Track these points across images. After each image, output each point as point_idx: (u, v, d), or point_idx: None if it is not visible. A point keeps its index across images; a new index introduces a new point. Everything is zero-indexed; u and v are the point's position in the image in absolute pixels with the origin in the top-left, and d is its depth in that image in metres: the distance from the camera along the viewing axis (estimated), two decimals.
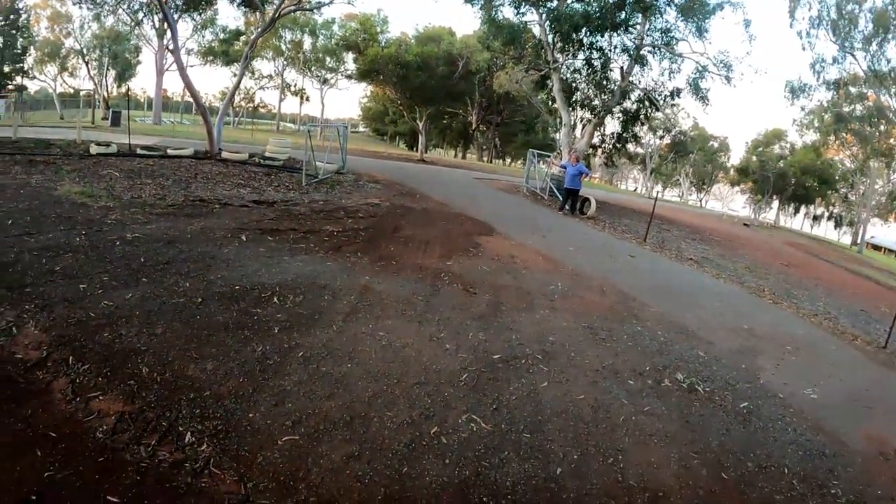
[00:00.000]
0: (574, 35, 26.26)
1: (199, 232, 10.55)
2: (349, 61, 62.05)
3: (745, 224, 39.86)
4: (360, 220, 13.55)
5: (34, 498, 3.75)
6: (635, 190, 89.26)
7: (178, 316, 6.66)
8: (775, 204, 75.13)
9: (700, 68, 26.13)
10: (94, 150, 19.79)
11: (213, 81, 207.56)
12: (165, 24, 45.82)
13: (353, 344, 6.56)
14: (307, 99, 77.20)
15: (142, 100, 76.56)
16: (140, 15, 47.69)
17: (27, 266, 7.64)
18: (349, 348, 6.44)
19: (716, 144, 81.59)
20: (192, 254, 9.11)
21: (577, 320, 8.67)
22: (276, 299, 7.58)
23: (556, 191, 23.75)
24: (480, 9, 29.03)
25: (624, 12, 25.18)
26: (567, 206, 21.24)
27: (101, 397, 4.91)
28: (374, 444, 4.83)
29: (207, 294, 7.44)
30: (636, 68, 27.21)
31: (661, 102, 28.67)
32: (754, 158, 72.29)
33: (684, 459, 5.33)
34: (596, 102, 28.42)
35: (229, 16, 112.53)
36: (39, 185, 13.20)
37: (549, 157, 28.72)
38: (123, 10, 45.58)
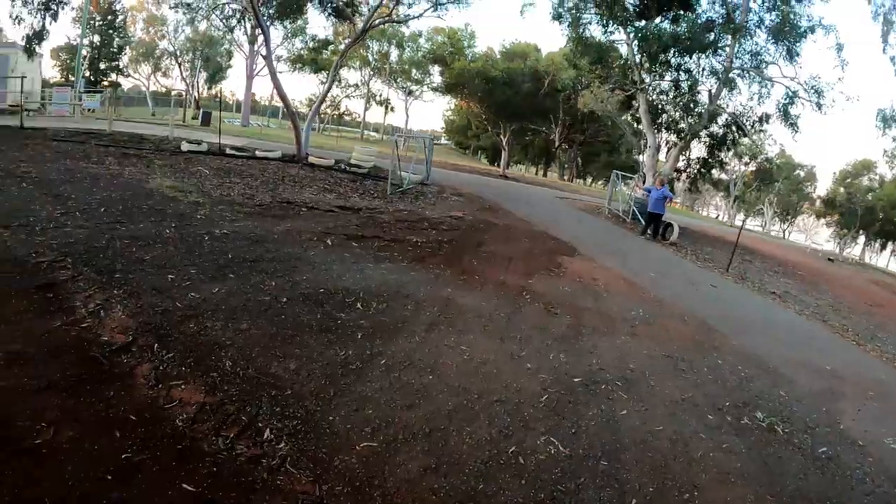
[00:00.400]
0: (662, 55, 25.82)
1: (286, 233, 10.72)
2: (435, 74, 62.73)
3: (829, 259, 38.44)
4: (443, 233, 13.54)
5: (110, 477, 3.77)
6: (717, 217, 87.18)
7: (264, 314, 6.71)
8: (861, 239, 72.34)
9: (790, 94, 25.33)
10: (185, 147, 20.38)
11: (300, 88, 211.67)
12: (257, 31, 47.22)
13: (434, 356, 6.49)
14: (392, 109, 78.29)
15: (230, 102, 78.77)
16: (233, 21, 49.23)
17: (118, 253, 7.86)
18: (431, 360, 6.37)
19: (802, 173, 78.50)
20: (278, 254, 9.24)
21: (657, 348, 8.42)
22: (359, 305, 7.58)
23: (638, 214, 23.31)
24: (568, 26, 28.78)
25: (713, 33, 24.65)
26: (649, 231, 20.85)
27: (182, 386, 4.95)
28: (451, 458, 4.72)
29: (293, 294, 7.50)
30: (724, 91, 26.51)
31: (749, 128, 27.91)
32: (841, 190, 69.88)
33: (760, 501, 5.05)
34: (682, 125, 27.81)
35: (319, 25, 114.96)
36: (132, 176, 13.62)
37: (631, 178, 28.29)
38: (217, 15, 47.17)
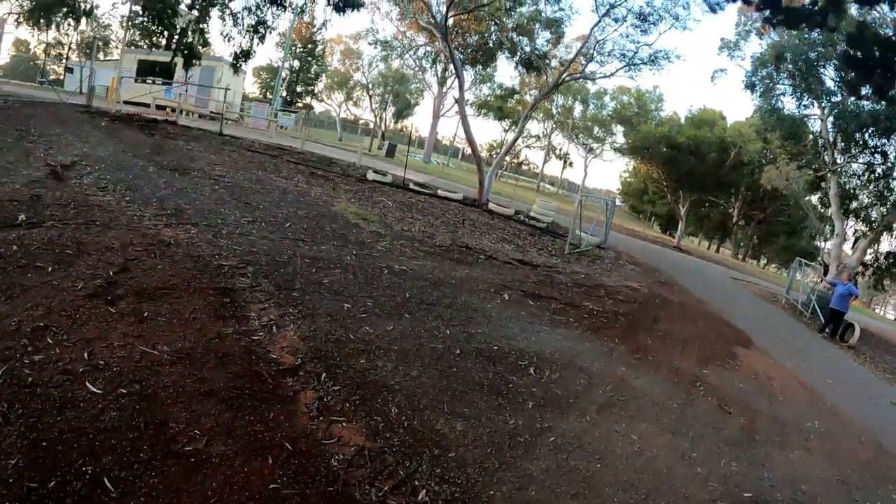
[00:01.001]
0: (858, 135, 24.33)
1: (464, 280, 10.57)
2: (618, 133, 62.14)
3: None
4: (619, 304, 12.96)
5: None
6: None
7: (436, 363, 6.50)
8: None
9: None
10: (370, 176, 21.01)
11: (481, 133, 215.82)
12: (447, 73, 48.81)
13: (604, 441, 6.03)
14: (570, 164, 78.38)
15: (414, 137, 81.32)
16: (425, 62, 51.20)
17: (297, 271, 7.97)
18: (600, 445, 5.92)
19: None
20: (455, 301, 9.07)
21: (832, 470, 7.60)
22: (532, 370, 7.23)
23: (818, 309, 21.71)
24: (759, 96, 27.85)
25: None
26: (828, 329, 19.37)
27: (344, 424, 4.79)
28: None
29: (466, 347, 7.26)
30: None
31: None
32: None
33: None
34: (874, 214, 26.02)
35: (506, 74, 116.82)
36: (318, 197, 14.05)
37: (810, 265, 26.59)
38: (410, 55, 49.17)
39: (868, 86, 21.80)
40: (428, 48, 44.77)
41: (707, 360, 10.58)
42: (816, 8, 10.51)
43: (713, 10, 11.53)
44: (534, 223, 22.41)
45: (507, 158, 75.33)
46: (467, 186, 28.20)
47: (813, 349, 16.30)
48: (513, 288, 11.07)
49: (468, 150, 72.67)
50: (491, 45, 31.40)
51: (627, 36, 25.92)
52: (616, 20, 25.07)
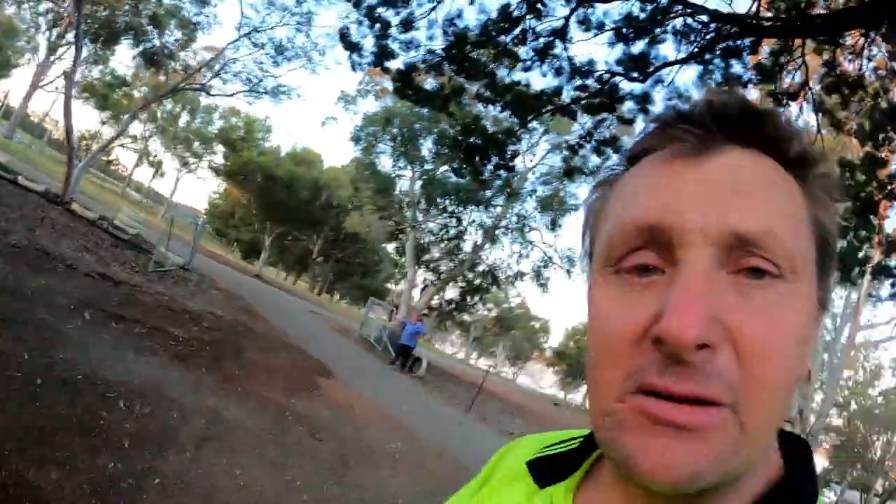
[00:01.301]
0: (440, 200, 27.70)
1: (42, 292, 9.34)
2: (219, 153, 60.94)
3: (555, 403, 42.02)
4: (205, 330, 12.54)
5: None
6: (453, 354, 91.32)
7: (15, 396, 5.60)
8: (584, 387, 79.47)
9: (546, 258, 28.46)
10: None
11: (77, 119, 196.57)
12: (62, 41, 43.95)
13: (209, 478, 5.87)
14: (162, 174, 75.02)
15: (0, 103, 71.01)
16: (42, 20, 45.73)
17: None
18: (206, 483, 5.74)
19: (537, 325, 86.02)
20: (33, 318, 7.98)
21: (419, 485, 8.63)
22: (122, 403, 6.64)
23: (389, 344, 23.84)
24: (362, 150, 30.12)
25: (489, 192, 26.92)
26: (398, 362, 21.46)
27: None
28: None
29: (48, 376, 6.35)
30: (487, 244, 28.98)
31: (504, 281, 30.63)
32: (571, 344, 76.31)
33: None
34: (443, 268, 29.64)
35: (122, 62, 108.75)
36: None
37: (380, 305, 29.10)
38: (29, 6, 43.41)
39: (465, 164, 25.00)
40: (52, 5, 39.77)
41: (292, 390, 10.94)
42: (442, 94, 11.93)
43: (353, 69, 12.30)
44: (118, 233, 20.55)
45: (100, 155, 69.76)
46: (50, 178, 25.55)
47: (386, 380, 17.84)
48: (95, 306, 10.02)
49: (57, 134, 65.46)
50: (119, 25, 29.17)
51: (260, 63, 26.23)
52: (255, 45, 25.30)
